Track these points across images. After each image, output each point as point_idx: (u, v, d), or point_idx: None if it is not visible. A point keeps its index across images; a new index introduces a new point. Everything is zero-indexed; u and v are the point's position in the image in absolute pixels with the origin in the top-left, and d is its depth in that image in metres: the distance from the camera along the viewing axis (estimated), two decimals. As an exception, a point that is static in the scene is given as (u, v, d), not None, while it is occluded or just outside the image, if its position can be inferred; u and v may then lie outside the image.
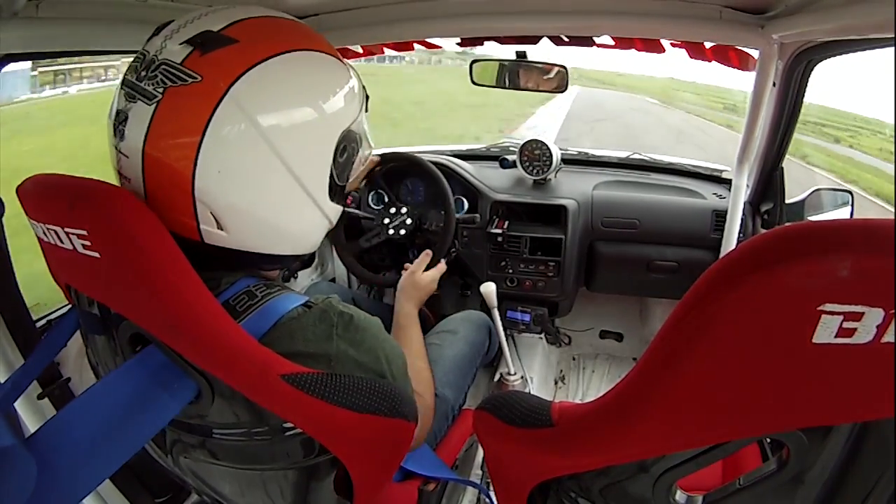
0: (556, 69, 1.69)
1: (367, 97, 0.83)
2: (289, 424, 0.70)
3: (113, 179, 0.69)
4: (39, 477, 0.60)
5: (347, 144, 0.77)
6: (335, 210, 0.81)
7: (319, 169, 0.74)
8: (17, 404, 1.05)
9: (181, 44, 0.65)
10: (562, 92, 1.73)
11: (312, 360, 0.69)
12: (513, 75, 1.75)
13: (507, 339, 1.79)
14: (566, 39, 1.52)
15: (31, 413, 1.10)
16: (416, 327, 1.21)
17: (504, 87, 1.79)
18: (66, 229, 0.63)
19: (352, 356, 0.72)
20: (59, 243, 0.65)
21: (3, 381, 0.82)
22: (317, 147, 0.72)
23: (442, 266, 1.46)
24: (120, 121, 0.66)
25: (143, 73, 0.65)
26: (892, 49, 0.94)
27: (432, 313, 1.91)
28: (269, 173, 0.68)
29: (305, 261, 2.16)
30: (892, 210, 6.73)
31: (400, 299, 1.30)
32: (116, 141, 0.67)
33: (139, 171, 0.66)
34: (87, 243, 0.62)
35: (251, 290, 0.71)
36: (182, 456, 0.82)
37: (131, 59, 0.70)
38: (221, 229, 0.69)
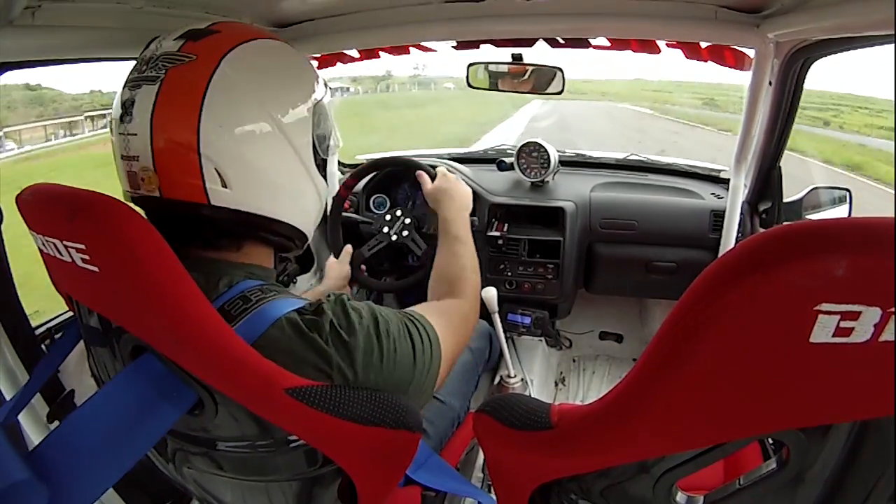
0: (552, 71, 1.69)
1: (327, 85, 0.93)
2: (293, 437, 0.70)
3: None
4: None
5: (321, 117, 0.86)
6: (323, 186, 0.90)
7: (302, 128, 0.82)
8: (22, 418, 1.05)
9: (175, 39, 0.75)
10: (558, 94, 1.73)
11: (313, 369, 0.68)
12: (509, 78, 1.76)
13: (507, 342, 1.79)
14: (562, 42, 1.52)
15: (34, 426, 1.10)
16: (457, 227, 1.18)
17: (500, 90, 1.79)
18: (65, 242, 0.63)
19: (348, 363, 0.71)
20: (58, 255, 0.65)
21: (4, 392, 0.82)
22: (297, 108, 0.81)
23: (441, 168, 1.40)
24: (126, 108, 0.73)
25: (145, 67, 0.74)
26: (890, 46, 0.94)
27: None
28: (261, 125, 0.76)
29: (304, 265, 2.16)
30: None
31: (439, 213, 1.24)
32: (123, 126, 0.73)
33: (147, 144, 0.72)
34: (86, 257, 0.62)
35: (246, 295, 0.71)
36: (185, 466, 0.82)
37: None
38: (226, 187, 0.75)
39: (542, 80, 1.72)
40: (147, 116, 0.71)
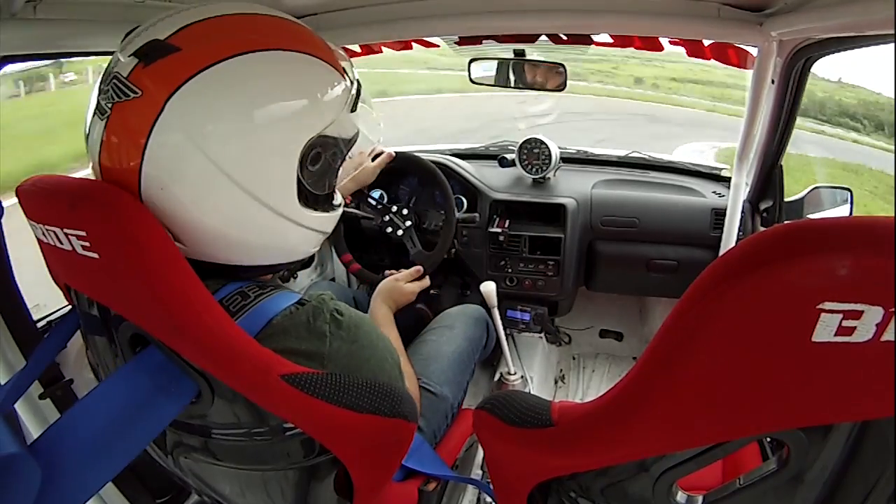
0: (555, 67, 1.69)
1: (359, 93, 0.79)
2: (289, 425, 0.70)
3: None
4: (43, 482, 0.60)
5: (323, 151, 0.74)
6: (321, 218, 0.78)
7: (277, 181, 0.70)
8: (18, 407, 1.05)
9: (130, 56, 0.64)
10: (560, 90, 1.72)
11: (306, 358, 0.69)
12: (511, 74, 1.75)
13: (506, 339, 1.79)
14: (564, 38, 1.52)
15: (31, 415, 1.10)
16: (393, 326, 1.23)
17: (502, 86, 1.79)
18: (66, 230, 0.63)
19: (345, 354, 0.72)
20: (58, 244, 0.66)
21: (3, 383, 0.82)
22: (269, 159, 0.68)
23: (426, 282, 1.48)
24: (88, 132, 0.68)
25: (102, 87, 0.65)
26: (891, 46, 0.94)
27: (431, 311, 1.91)
28: (215, 188, 0.65)
29: (305, 261, 2.15)
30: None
31: (376, 300, 1.30)
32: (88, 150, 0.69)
33: (100, 179, 0.68)
34: (87, 244, 0.62)
35: (244, 291, 0.71)
36: (183, 457, 0.82)
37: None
38: (179, 242, 0.68)
39: (551, 77, 1.71)
40: (96, 155, 0.67)
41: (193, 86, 0.62)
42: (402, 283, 1.39)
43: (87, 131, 0.68)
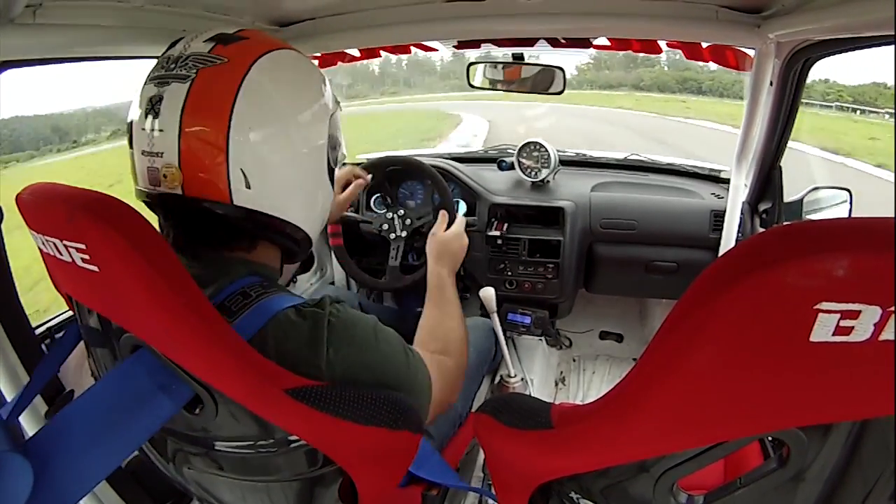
0: (553, 70, 1.69)
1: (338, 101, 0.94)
2: (294, 437, 0.70)
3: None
4: (37, 480, 0.60)
5: (333, 132, 0.88)
6: (331, 193, 0.93)
7: (320, 138, 0.85)
8: (21, 418, 1.05)
9: (205, 41, 0.76)
10: (558, 93, 1.72)
11: (305, 365, 0.69)
12: (510, 78, 1.76)
13: (507, 342, 1.79)
14: (563, 41, 1.53)
15: (34, 425, 1.09)
16: (451, 289, 1.20)
17: (500, 90, 1.79)
18: (65, 242, 0.63)
19: (341, 359, 0.73)
20: (58, 255, 0.65)
21: (4, 391, 0.81)
22: (316, 119, 0.84)
23: (461, 219, 1.45)
24: (154, 103, 0.74)
25: (174, 65, 0.75)
26: (891, 47, 0.94)
27: None
28: (285, 132, 0.79)
29: (304, 264, 2.16)
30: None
31: (431, 264, 1.29)
32: (149, 122, 0.74)
33: (175, 142, 0.73)
34: (86, 257, 0.62)
35: (245, 291, 0.73)
36: (185, 466, 0.82)
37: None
38: (248, 188, 0.76)
39: (549, 81, 1.71)
40: (177, 115, 0.72)
41: (267, 60, 0.78)
42: (441, 233, 1.38)
43: (156, 99, 0.74)
